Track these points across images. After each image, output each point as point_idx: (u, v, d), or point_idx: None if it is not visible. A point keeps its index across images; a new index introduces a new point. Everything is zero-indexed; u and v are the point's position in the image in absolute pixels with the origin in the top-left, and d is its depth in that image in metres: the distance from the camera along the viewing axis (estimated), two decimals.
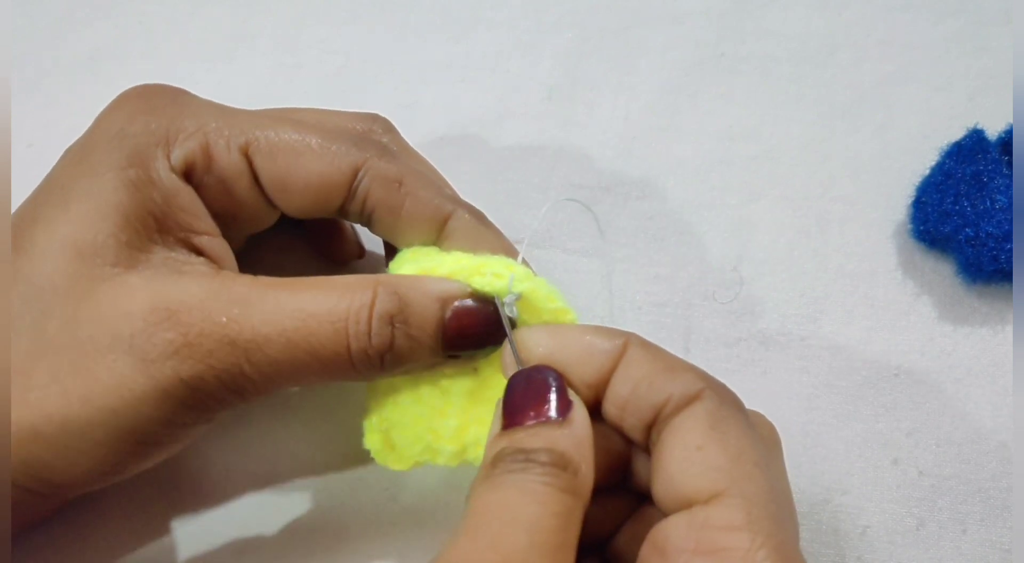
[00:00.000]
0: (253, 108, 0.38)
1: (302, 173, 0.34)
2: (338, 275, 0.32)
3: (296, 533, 0.37)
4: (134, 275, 0.30)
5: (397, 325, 0.31)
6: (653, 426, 0.29)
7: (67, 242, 0.30)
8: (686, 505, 0.27)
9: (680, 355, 0.40)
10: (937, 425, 0.40)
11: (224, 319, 0.29)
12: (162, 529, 0.37)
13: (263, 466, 0.39)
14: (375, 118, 0.38)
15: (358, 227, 0.42)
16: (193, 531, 0.37)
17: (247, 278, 0.31)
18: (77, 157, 0.33)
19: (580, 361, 0.30)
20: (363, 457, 0.38)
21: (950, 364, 0.41)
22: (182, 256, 0.32)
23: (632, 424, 0.30)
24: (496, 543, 0.25)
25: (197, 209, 0.33)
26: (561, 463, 0.27)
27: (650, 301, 0.43)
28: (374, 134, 0.37)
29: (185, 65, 0.51)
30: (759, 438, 0.28)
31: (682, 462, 0.27)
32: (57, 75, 0.50)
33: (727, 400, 0.29)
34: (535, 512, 0.26)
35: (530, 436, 0.28)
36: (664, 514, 0.28)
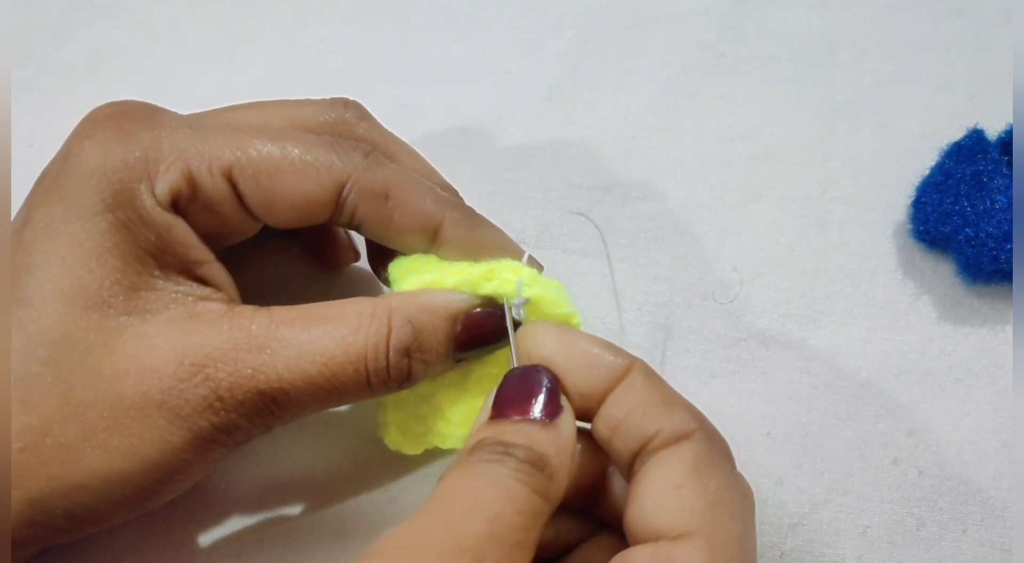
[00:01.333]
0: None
1: (287, 193, 0.33)
2: (348, 300, 0.32)
3: (296, 534, 0.37)
4: (149, 324, 0.31)
5: (413, 354, 0.32)
6: (638, 456, 0.29)
7: (72, 293, 0.30)
8: (654, 538, 0.27)
9: (680, 355, 0.41)
10: (937, 425, 0.40)
11: (250, 371, 0.30)
12: (162, 530, 0.37)
13: (263, 467, 0.39)
14: (346, 104, 0.37)
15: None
16: (193, 532, 0.37)
17: (262, 317, 0.31)
18: (55, 195, 0.32)
19: (581, 372, 0.30)
20: (363, 459, 0.38)
21: (950, 364, 0.41)
22: (187, 288, 0.32)
23: (619, 448, 0.30)
24: (454, 526, 0.25)
25: (191, 240, 0.33)
26: (539, 464, 0.27)
27: (650, 301, 0.43)
28: (348, 124, 0.37)
29: (185, 65, 0.51)
30: (740, 490, 0.28)
31: (658, 496, 0.28)
32: (57, 75, 0.50)
33: (716, 446, 0.29)
34: (502, 506, 0.26)
35: (514, 431, 0.28)
36: (630, 543, 0.28)
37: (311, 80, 0.50)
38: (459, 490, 0.27)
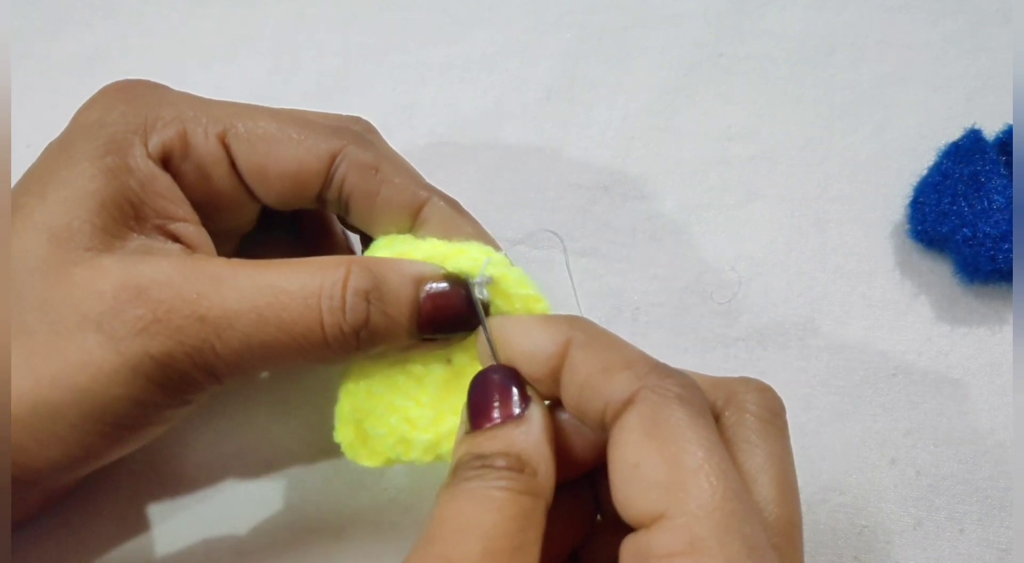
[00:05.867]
0: None
1: (280, 160, 0.34)
2: (314, 257, 0.32)
3: (296, 533, 0.37)
4: (107, 257, 0.30)
5: (372, 301, 0.31)
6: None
7: (42, 227, 0.30)
8: (636, 526, 0.25)
9: (678, 355, 0.41)
10: (935, 425, 0.40)
11: (195, 295, 0.29)
12: (163, 531, 0.37)
13: (262, 468, 0.39)
14: (356, 120, 0.38)
15: (351, 234, 0.42)
16: (193, 534, 0.37)
17: (220, 259, 0.31)
18: (56, 149, 0.33)
19: (528, 360, 0.30)
20: None
21: (948, 364, 0.41)
22: (158, 243, 0.32)
23: (592, 425, 0.28)
24: (448, 555, 0.25)
25: (174, 195, 0.33)
26: (518, 466, 0.27)
27: (648, 301, 0.43)
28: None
29: (184, 65, 0.51)
30: (705, 430, 0.25)
31: (622, 484, 0.26)
32: (57, 75, 0.50)
33: (666, 396, 0.26)
34: (490, 520, 0.26)
35: (488, 439, 0.28)
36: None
37: (310, 81, 0.50)
38: (448, 516, 0.26)
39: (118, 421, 0.30)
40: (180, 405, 0.31)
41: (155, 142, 0.33)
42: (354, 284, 0.31)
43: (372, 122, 0.39)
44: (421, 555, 0.26)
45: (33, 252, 0.30)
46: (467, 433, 0.29)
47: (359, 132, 0.36)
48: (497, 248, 0.34)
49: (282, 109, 0.37)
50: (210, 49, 0.51)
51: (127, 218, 0.31)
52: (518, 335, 0.30)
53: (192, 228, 0.33)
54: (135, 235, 0.31)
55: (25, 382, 0.29)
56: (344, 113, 0.39)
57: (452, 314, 0.32)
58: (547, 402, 0.30)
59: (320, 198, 0.35)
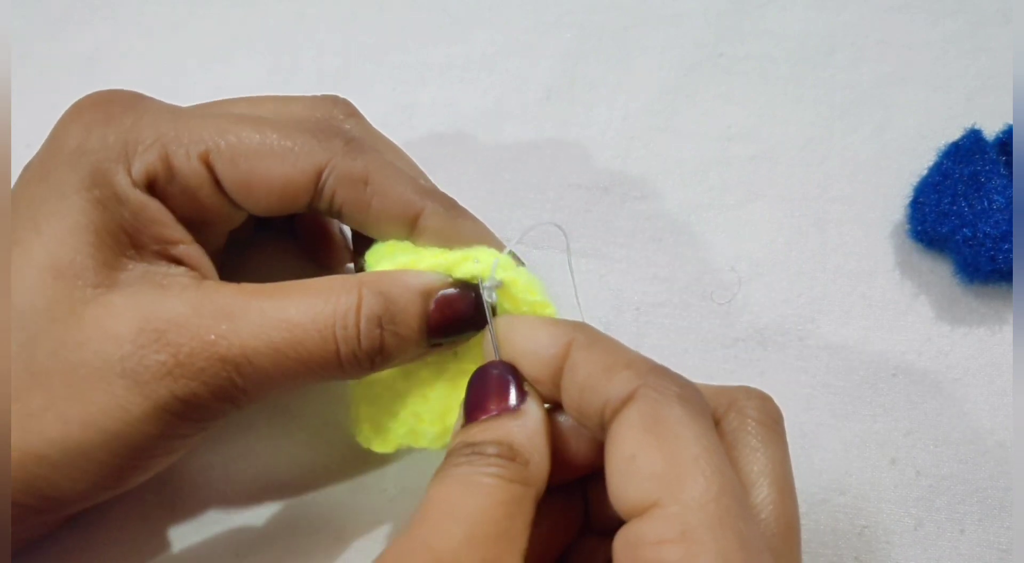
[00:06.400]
0: None
1: (264, 177, 0.33)
2: (320, 277, 0.32)
3: (295, 535, 0.37)
4: (116, 294, 0.30)
5: (385, 326, 0.31)
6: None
7: (44, 264, 0.30)
8: (629, 519, 0.26)
9: (677, 356, 0.41)
10: (935, 425, 0.40)
11: (212, 336, 0.30)
12: (163, 532, 0.37)
13: (262, 469, 0.39)
14: (335, 101, 0.37)
15: (348, 231, 0.42)
16: (193, 534, 0.37)
17: (230, 288, 0.31)
18: (39, 175, 0.32)
19: (530, 360, 0.30)
20: (361, 459, 0.38)
21: (948, 364, 0.41)
22: (161, 268, 0.32)
23: (592, 427, 0.29)
24: (430, 539, 0.25)
25: (167, 219, 0.32)
26: (509, 454, 0.27)
27: (648, 301, 0.43)
28: (336, 121, 0.36)
29: (184, 65, 0.51)
30: (703, 429, 0.26)
31: (617, 475, 0.26)
32: (57, 75, 0.50)
33: (666, 394, 0.26)
34: (475, 505, 0.26)
35: (480, 430, 0.28)
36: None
37: (310, 81, 0.50)
38: (434, 500, 0.27)
39: (145, 454, 0.31)
40: (201, 431, 0.32)
41: (138, 168, 0.32)
42: (367, 311, 0.31)
43: (372, 123, 0.39)
44: (405, 539, 0.26)
45: (39, 290, 0.30)
46: (462, 426, 0.29)
47: (347, 135, 0.34)
48: (500, 246, 0.34)
49: (263, 102, 0.36)
50: (210, 49, 0.51)
51: (125, 247, 0.31)
52: (522, 335, 0.30)
53: (189, 248, 0.33)
54: (136, 264, 0.31)
55: (53, 425, 0.29)
56: None
57: (459, 319, 0.32)
58: (547, 406, 0.30)
59: (311, 207, 0.34)
